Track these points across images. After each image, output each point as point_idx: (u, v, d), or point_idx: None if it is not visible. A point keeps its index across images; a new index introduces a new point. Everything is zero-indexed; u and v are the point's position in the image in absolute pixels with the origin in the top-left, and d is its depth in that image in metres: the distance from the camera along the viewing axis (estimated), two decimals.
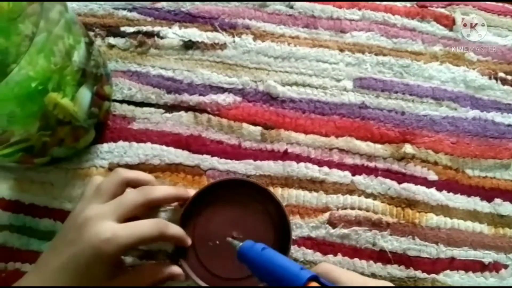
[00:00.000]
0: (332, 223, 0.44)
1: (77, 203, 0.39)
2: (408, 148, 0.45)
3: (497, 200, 0.45)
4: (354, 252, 0.43)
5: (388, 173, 0.45)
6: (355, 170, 0.45)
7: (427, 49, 0.49)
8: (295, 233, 0.43)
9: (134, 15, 0.49)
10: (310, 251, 0.43)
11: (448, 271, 0.43)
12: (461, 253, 0.44)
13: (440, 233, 0.44)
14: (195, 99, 0.46)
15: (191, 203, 0.41)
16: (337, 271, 0.35)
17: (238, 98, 0.47)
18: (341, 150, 0.46)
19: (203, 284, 0.40)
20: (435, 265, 0.43)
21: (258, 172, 0.45)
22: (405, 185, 0.45)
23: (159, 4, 0.49)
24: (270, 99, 0.47)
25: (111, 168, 0.44)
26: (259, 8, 0.50)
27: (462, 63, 0.49)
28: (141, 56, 0.48)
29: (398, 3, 0.50)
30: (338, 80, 0.48)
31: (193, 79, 0.47)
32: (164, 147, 0.45)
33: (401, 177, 0.45)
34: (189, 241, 0.40)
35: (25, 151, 0.39)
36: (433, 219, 0.44)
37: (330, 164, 0.45)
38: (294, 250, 0.43)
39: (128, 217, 0.37)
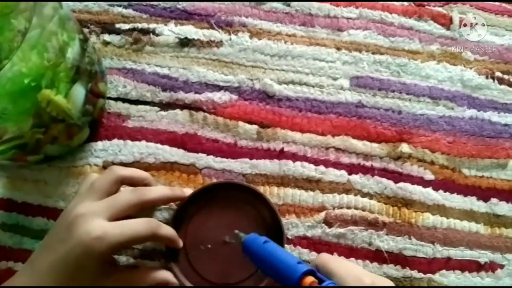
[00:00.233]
0: (328, 222, 0.43)
1: (71, 200, 0.39)
2: (404, 148, 0.45)
3: (494, 200, 0.45)
4: (350, 251, 0.43)
5: (385, 173, 0.45)
6: (352, 169, 0.45)
7: (424, 48, 0.49)
8: (291, 233, 0.43)
9: (129, 12, 0.49)
10: (306, 250, 0.43)
11: (444, 271, 0.43)
12: (457, 253, 0.43)
13: (436, 232, 0.44)
14: (190, 97, 0.46)
15: (184, 205, 0.41)
16: (334, 262, 0.35)
17: (234, 96, 0.47)
18: (337, 149, 0.45)
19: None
20: (431, 265, 0.43)
21: (254, 171, 0.45)
22: (401, 184, 0.45)
23: (154, 1, 0.49)
24: (266, 98, 0.47)
25: (105, 166, 0.44)
26: (255, 6, 0.49)
27: (459, 63, 0.49)
28: (136, 54, 0.47)
29: (395, 2, 0.50)
30: (335, 79, 0.47)
31: (188, 76, 0.47)
32: (159, 145, 0.45)
33: (397, 177, 0.45)
34: (180, 243, 0.40)
35: (18, 148, 0.39)
36: (429, 218, 0.44)
37: (327, 163, 0.45)
38: (290, 249, 0.43)
39: (121, 217, 0.36)
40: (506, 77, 0.49)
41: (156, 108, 0.46)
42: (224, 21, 0.49)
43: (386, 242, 0.43)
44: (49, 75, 0.35)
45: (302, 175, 0.44)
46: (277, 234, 0.40)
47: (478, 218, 0.45)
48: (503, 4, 0.51)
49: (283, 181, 0.44)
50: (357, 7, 0.49)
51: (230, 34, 0.48)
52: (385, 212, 0.44)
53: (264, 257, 0.34)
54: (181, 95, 0.46)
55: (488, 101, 0.48)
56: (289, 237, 0.43)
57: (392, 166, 0.45)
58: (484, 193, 0.45)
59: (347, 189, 0.44)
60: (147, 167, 0.44)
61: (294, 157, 0.45)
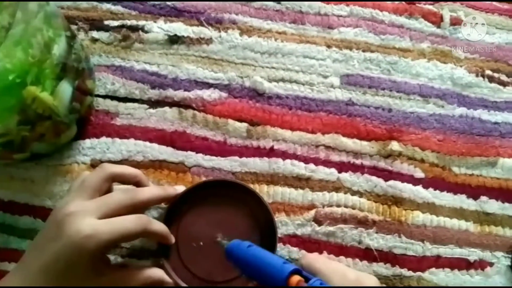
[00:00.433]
0: (318, 220, 0.43)
1: (61, 199, 0.38)
2: (394, 146, 0.45)
3: (483, 198, 0.45)
4: (340, 250, 0.43)
5: (375, 171, 0.45)
6: (341, 167, 0.45)
7: (414, 46, 0.49)
8: (281, 231, 0.43)
9: (118, 8, 0.48)
10: (295, 249, 0.43)
11: (433, 269, 0.43)
12: (446, 251, 0.44)
13: (426, 231, 0.44)
14: (179, 94, 0.46)
15: (176, 203, 0.41)
16: (319, 262, 0.36)
17: (224, 94, 0.46)
18: (327, 147, 0.45)
19: (184, 285, 0.39)
20: (421, 263, 0.43)
21: (243, 169, 0.44)
22: (391, 182, 0.44)
23: None
24: (256, 95, 0.46)
25: (93, 164, 0.44)
26: (246, 3, 0.49)
27: (450, 61, 0.49)
28: (125, 51, 0.47)
29: (386, 0, 0.50)
30: (325, 77, 0.47)
31: (178, 74, 0.46)
32: (147, 143, 0.44)
33: (387, 175, 0.45)
34: (172, 239, 0.39)
35: (4, 146, 0.38)
36: (419, 216, 0.44)
37: (316, 161, 0.45)
38: (280, 248, 0.43)
39: (112, 217, 0.36)
40: (496, 75, 0.49)
41: (145, 106, 0.45)
42: (214, 18, 0.48)
43: (376, 240, 0.43)
44: (34, 72, 0.34)
45: (292, 173, 0.44)
46: (270, 230, 0.40)
47: (468, 216, 0.45)
48: (494, 3, 0.51)
49: (273, 179, 0.44)
50: (347, 5, 0.49)
51: (220, 31, 0.48)
52: (375, 210, 0.44)
53: (249, 260, 0.34)
54: (170, 92, 0.46)
55: (478, 99, 0.48)
56: (279, 235, 0.43)
57: (382, 164, 0.45)
58: (474, 191, 0.45)
59: (337, 187, 0.44)
60: (135, 165, 0.43)
61: (284, 155, 0.45)
